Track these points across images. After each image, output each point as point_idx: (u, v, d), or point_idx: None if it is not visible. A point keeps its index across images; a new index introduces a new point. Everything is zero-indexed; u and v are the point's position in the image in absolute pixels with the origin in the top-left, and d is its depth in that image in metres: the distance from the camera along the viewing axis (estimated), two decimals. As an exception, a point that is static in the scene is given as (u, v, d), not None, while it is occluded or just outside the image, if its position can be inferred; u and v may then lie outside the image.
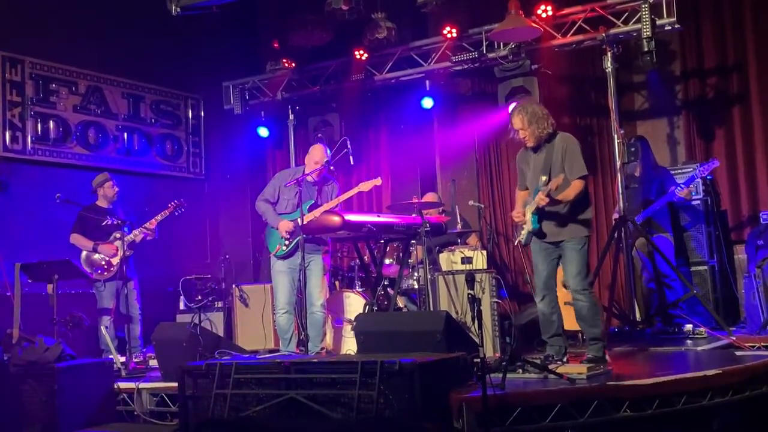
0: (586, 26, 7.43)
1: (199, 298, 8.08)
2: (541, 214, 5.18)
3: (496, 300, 6.16)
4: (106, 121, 8.93)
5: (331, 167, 6.66)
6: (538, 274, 5.34)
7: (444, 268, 6.57)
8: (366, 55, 8.47)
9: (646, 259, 7.21)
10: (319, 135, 8.93)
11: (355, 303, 7.00)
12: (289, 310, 6.48)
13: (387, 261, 7.40)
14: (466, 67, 8.20)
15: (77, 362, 5.58)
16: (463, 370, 4.50)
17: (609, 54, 7.18)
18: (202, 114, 10.03)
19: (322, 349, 6.55)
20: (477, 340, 5.07)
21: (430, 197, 7.77)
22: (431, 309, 6.25)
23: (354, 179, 9.24)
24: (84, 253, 7.16)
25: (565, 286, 5.77)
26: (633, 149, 7.24)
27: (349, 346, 6.73)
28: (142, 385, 5.59)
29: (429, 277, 6.34)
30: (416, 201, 6.83)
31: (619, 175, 6.97)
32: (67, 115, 8.59)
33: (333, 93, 9.00)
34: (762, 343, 5.72)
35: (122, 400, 5.63)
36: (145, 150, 9.33)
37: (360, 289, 7.20)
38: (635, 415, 4.27)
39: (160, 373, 5.87)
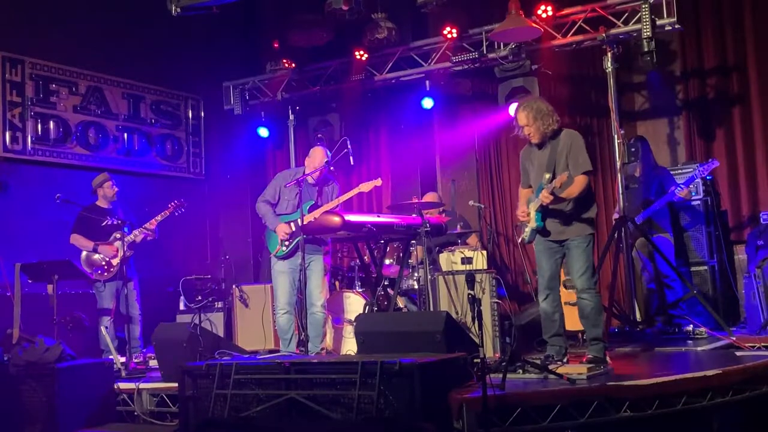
0: (586, 26, 7.43)
1: (199, 298, 8.08)
2: (545, 211, 5.16)
3: (497, 300, 6.17)
4: (106, 122, 8.94)
5: (331, 167, 6.66)
6: (542, 273, 5.31)
7: (444, 268, 6.57)
8: (366, 55, 8.47)
9: (646, 259, 7.20)
10: (319, 135, 8.94)
11: (355, 303, 7.01)
12: (289, 311, 6.49)
13: (387, 261, 7.40)
14: (466, 67, 8.20)
15: (77, 362, 5.57)
16: (463, 371, 4.50)
17: (609, 54, 7.17)
18: (202, 114, 10.04)
19: (322, 349, 6.55)
20: (477, 340, 5.07)
21: (430, 197, 7.76)
22: (431, 309, 6.25)
23: (354, 179, 9.25)
24: (84, 253, 7.16)
25: (564, 286, 5.79)
26: (633, 149, 7.23)
27: (349, 346, 6.74)
28: (142, 385, 5.59)
29: (429, 277, 6.33)
30: (416, 201, 6.83)
31: (619, 175, 6.97)
32: (67, 115, 8.59)
33: (333, 93, 9.00)
34: (762, 344, 5.71)
35: (122, 401, 5.63)
36: (145, 150, 9.33)
37: (360, 290, 7.20)
38: (635, 415, 4.27)
39: (160, 373, 5.87)
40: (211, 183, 9.97)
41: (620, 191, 6.90)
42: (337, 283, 7.79)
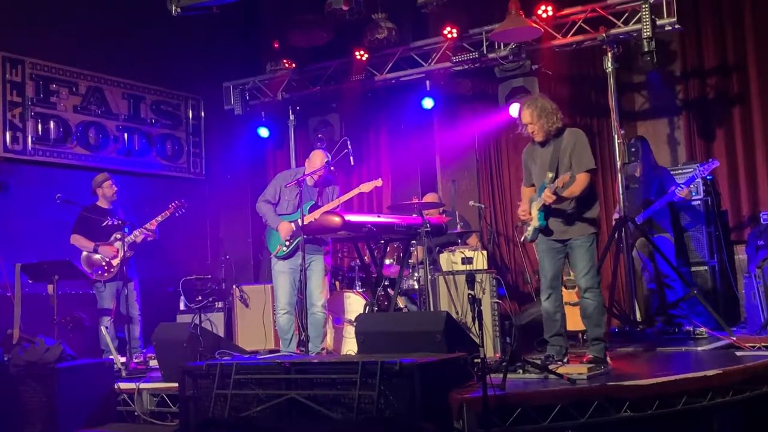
0: (586, 26, 7.43)
1: (200, 298, 8.08)
2: (547, 210, 5.15)
3: (497, 300, 6.17)
4: (106, 122, 8.94)
5: (332, 168, 6.66)
6: (544, 273, 5.29)
7: (444, 268, 6.57)
8: (366, 55, 8.47)
9: (647, 259, 7.20)
10: (319, 135, 8.94)
11: (355, 303, 7.01)
12: (289, 311, 6.49)
13: (387, 261, 7.40)
14: (466, 67, 8.21)
15: (77, 363, 5.57)
16: (464, 371, 4.50)
17: (609, 54, 7.17)
18: (203, 114, 10.04)
19: (323, 349, 6.56)
20: (477, 340, 5.07)
21: (430, 197, 7.77)
22: (431, 309, 6.25)
23: (354, 179, 9.25)
24: (84, 253, 7.16)
25: (565, 286, 5.78)
26: (633, 149, 7.23)
27: (350, 346, 6.74)
28: (143, 385, 5.59)
29: (429, 277, 6.34)
30: (416, 201, 6.83)
31: (619, 175, 6.97)
32: (68, 115, 8.59)
33: (333, 93, 9.00)
34: (762, 344, 5.71)
35: (122, 401, 5.63)
36: (146, 150, 9.33)
37: (360, 290, 7.20)
38: (636, 415, 4.27)
39: (161, 373, 5.87)
40: (211, 183, 9.98)
41: (620, 191, 6.90)
42: (337, 283, 7.79)
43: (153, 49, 9.01)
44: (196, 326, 5.70)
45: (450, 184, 8.31)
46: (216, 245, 9.85)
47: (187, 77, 9.63)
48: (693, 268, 7.45)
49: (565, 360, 5.20)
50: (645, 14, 7.00)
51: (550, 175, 5.06)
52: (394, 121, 9.35)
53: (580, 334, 6.55)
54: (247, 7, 9.01)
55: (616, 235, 6.66)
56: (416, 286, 7.05)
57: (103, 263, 7.14)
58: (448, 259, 6.63)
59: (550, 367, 4.77)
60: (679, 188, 6.90)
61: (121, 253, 7.00)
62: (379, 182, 6.58)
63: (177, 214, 7.39)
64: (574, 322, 5.96)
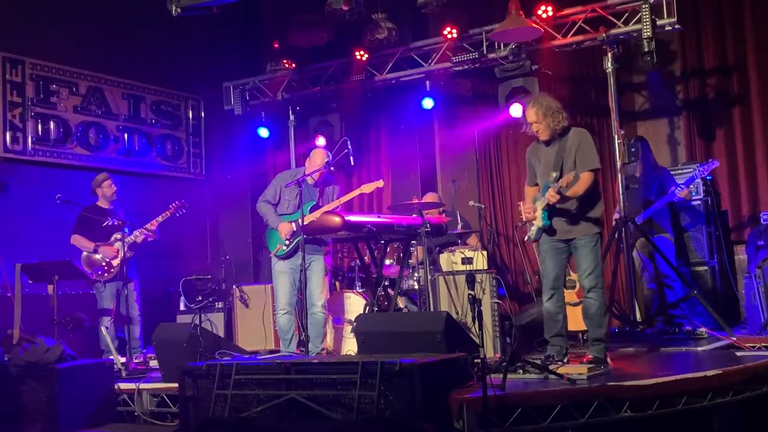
0: (586, 27, 7.43)
1: (200, 298, 8.08)
2: (551, 210, 5.14)
3: (497, 300, 6.17)
4: (106, 122, 8.94)
5: (332, 168, 6.66)
6: (547, 274, 5.28)
7: (444, 268, 6.57)
8: (366, 55, 8.47)
9: (647, 259, 7.20)
10: (319, 136, 8.94)
11: (355, 303, 7.01)
12: (289, 311, 6.49)
13: (387, 261, 7.40)
14: (466, 67, 8.21)
15: (77, 363, 5.58)
16: (464, 371, 4.50)
17: (609, 54, 7.17)
18: (203, 114, 10.04)
19: (323, 349, 6.56)
20: (477, 340, 5.07)
21: (430, 198, 7.77)
22: (431, 309, 6.25)
23: (354, 179, 9.27)
24: (84, 253, 7.16)
25: (565, 286, 5.76)
26: (633, 149, 7.23)
27: (350, 346, 6.74)
28: (143, 385, 5.59)
29: (429, 277, 6.34)
30: (416, 201, 6.83)
31: (619, 175, 6.97)
32: (68, 115, 8.59)
33: (333, 93, 9.00)
34: (762, 344, 5.71)
35: (123, 401, 5.63)
36: (146, 150, 9.33)
37: (360, 290, 7.21)
38: (636, 415, 4.27)
39: (161, 373, 5.87)
40: (211, 183, 9.98)
41: (620, 191, 6.90)
42: (337, 284, 7.79)
43: (153, 49, 9.01)
44: (196, 326, 5.70)
45: (450, 184, 8.31)
46: (216, 245, 9.86)
47: (187, 77, 9.63)
48: (693, 269, 7.45)
49: (566, 360, 5.19)
50: (645, 14, 7.00)
51: (555, 174, 5.05)
52: (394, 122, 9.35)
53: (580, 334, 6.55)
54: (247, 7, 9.01)
55: (616, 235, 6.66)
56: (416, 287, 7.05)
57: (104, 263, 7.14)
58: (448, 260, 6.63)
59: (551, 367, 4.77)
60: (679, 188, 6.90)
61: (121, 254, 7.00)
62: (380, 183, 6.57)
63: (177, 215, 7.39)
64: (575, 322, 5.97)
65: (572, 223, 5.15)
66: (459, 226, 7.43)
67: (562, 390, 4.34)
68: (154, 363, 6.44)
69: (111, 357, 6.32)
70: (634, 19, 7.15)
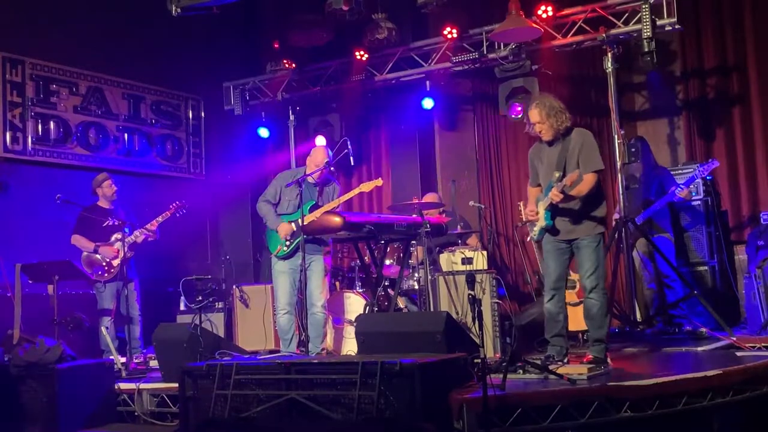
0: (586, 27, 7.44)
1: (200, 298, 8.06)
2: (554, 210, 5.14)
3: (497, 300, 6.17)
4: (106, 122, 8.94)
5: (332, 168, 6.66)
6: (549, 274, 5.27)
7: (444, 268, 6.57)
8: (366, 55, 8.47)
9: (647, 259, 7.21)
10: (319, 136, 8.94)
11: (355, 303, 7.01)
12: (289, 311, 6.49)
13: (387, 261, 7.40)
14: (466, 67, 8.21)
15: (78, 363, 5.58)
16: (464, 371, 4.49)
17: (609, 54, 7.18)
18: (203, 114, 10.04)
19: (323, 349, 6.55)
20: (477, 340, 5.07)
21: (430, 198, 7.77)
22: (432, 309, 6.25)
23: (354, 179, 9.28)
24: (84, 253, 7.16)
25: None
26: (633, 149, 7.23)
27: (350, 346, 6.74)
28: (143, 385, 5.59)
29: (429, 277, 6.34)
30: (416, 201, 6.83)
31: (619, 175, 6.97)
32: (68, 115, 8.59)
33: (333, 93, 9.00)
34: (762, 344, 5.71)
35: (123, 401, 5.63)
36: (146, 150, 9.33)
37: (360, 290, 7.20)
38: (636, 415, 4.27)
39: (161, 373, 5.87)
40: (211, 183, 9.97)
41: (620, 191, 6.91)
42: (337, 284, 7.79)
43: (153, 49, 9.01)
44: (196, 326, 5.70)
45: (450, 184, 8.31)
46: (216, 245, 9.86)
47: (187, 77, 9.63)
48: (693, 269, 7.45)
49: (566, 360, 5.19)
50: (645, 14, 7.00)
51: (558, 174, 5.04)
52: (395, 122, 9.35)
53: (580, 334, 6.55)
54: (247, 7, 9.01)
55: (616, 235, 6.66)
56: (416, 287, 7.05)
57: (104, 263, 7.14)
58: (448, 260, 6.63)
59: (551, 367, 4.77)
60: (679, 188, 6.90)
61: (121, 254, 7.00)
62: (379, 182, 6.58)
63: (178, 215, 7.39)
64: (575, 322, 5.97)
65: (575, 222, 5.14)
66: (459, 227, 7.43)
67: (562, 390, 4.34)
68: (154, 363, 6.44)
69: (111, 357, 6.32)
70: (634, 19, 7.15)
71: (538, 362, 4.88)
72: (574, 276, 5.97)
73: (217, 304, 8.16)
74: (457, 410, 4.13)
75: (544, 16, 7.46)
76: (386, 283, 7.07)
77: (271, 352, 7.16)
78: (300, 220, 6.13)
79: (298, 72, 9.06)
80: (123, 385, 5.68)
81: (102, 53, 8.72)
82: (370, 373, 4.15)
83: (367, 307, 6.66)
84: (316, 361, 4.87)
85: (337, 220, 5.96)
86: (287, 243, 6.43)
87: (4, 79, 8.03)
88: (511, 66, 7.89)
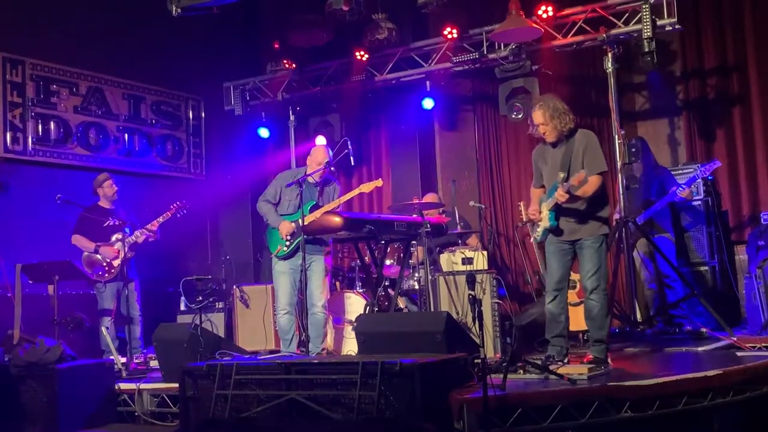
0: (586, 27, 7.44)
1: (200, 298, 8.08)
2: (558, 210, 5.14)
3: (497, 301, 6.17)
4: (106, 122, 8.94)
5: (332, 168, 6.66)
6: (551, 275, 5.26)
7: (445, 268, 6.57)
8: (366, 55, 8.47)
9: (647, 259, 7.20)
10: (320, 136, 8.94)
11: (355, 304, 7.01)
12: (290, 311, 6.48)
13: (388, 262, 7.39)
14: (466, 67, 8.21)
15: (78, 363, 5.58)
16: (464, 371, 4.49)
17: (609, 54, 7.18)
18: (203, 115, 10.04)
19: (323, 349, 6.55)
20: (478, 340, 5.07)
21: (430, 198, 7.77)
22: (432, 310, 6.25)
23: (355, 179, 9.28)
24: (85, 253, 7.16)
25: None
26: (634, 149, 7.23)
27: (350, 346, 6.74)
28: (143, 385, 5.58)
29: (430, 277, 6.34)
30: (417, 201, 6.83)
31: (619, 175, 6.97)
32: (68, 115, 8.59)
33: (333, 94, 9.00)
34: (763, 344, 5.71)
35: (123, 401, 5.63)
36: (146, 151, 9.33)
37: (361, 290, 7.20)
38: (636, 415, 4.27)
39: (161, 373, 5.87)
40: (211, 183, 9.97)
41: (621, 192, 6.91)
42: (337, 284, 7.79)
43: (153, 50, 9.01)
44: (196, 326, 5.70)
45: (450, 184, 8.31)
46: (216, 245, 9.86)
47: (188, 77, 9.63)
48: (694, 269, 7.45)
49: (566, 360, 5.19)
50: (645, 14, 7.00)
51: (562, 175, 5.04)
52: (395, 122, 9.35)
53: (580, 335, 6.55)
54: (247, 7, 9.01)
55: (616, 235, 6.66)
56: (416, 287, 7.05)
57: (104, 264, 7.14)
58: (449, 260, 6.63)
59: (551, 367, 4.77)
60: (680, 189, 6.90)
61: (122, 254, 7.00)
62: (379, 182, 6.58)
63: (178, 215, 7.39)
64: (575, 322, 5.96)
65: (579, 223, 5.14)
66: (459, 227, 7.43)
67: (562, 390, 4.34)
68: (154, 363, 6.44)
69: (111, 357, 6.32)
70: (635, 20, 7.15)
71: (539, 362, 4.87)
72: (574, 276, 5.97)
73: (217, 304, 8.17)
74: (458, 410, 4.13)
75: (545, 16, 7.46)
76: (386, 283, 7.07)
77: (271, 352, 7.16)
78: (300, 221, 6.13)
79: (298, 72, 9.06)
80: (123, 385, 5.68)
81: (102, 53, 8.72)
82: (371, 373, 4.15)
83: (368, 307, 6.66)
84: (316, 361, 4.87)
85: (337, 220, 5.96)
86: (287, 243, 6.43)
87: (4, 80, 8.03)
88: (512, 66, 7.89)
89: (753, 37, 7.74)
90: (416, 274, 7.10)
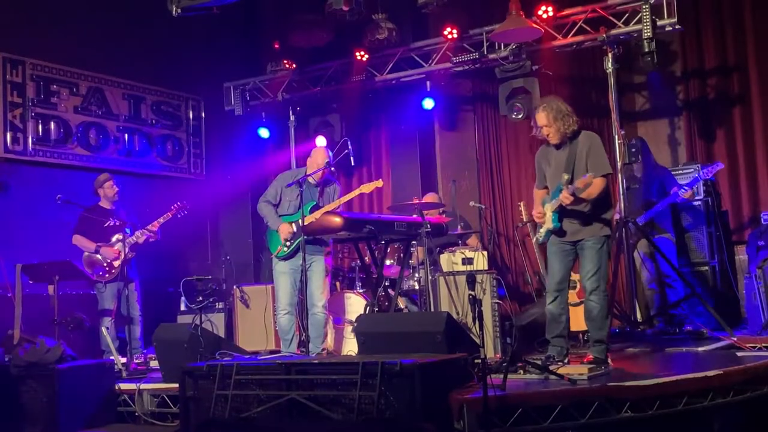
0: (586, 27, 7.44)
1: (200, 298, 8.08)
2: (562, 212, 5.14)
3: (497, 301, 6.17)
4: (106, 122, 8.94)
5: (332, 168, 6.66)
6: (553, 275, 5.27)
7: (445, 268, 6.57)
8: (366, 55, 8.47)
9: (648, 259, 7.20)
10: (320, 136, 8.94)
11: (355, 304, 7.01)
12: (290, 311, 6.49)
13: (388, 262, 7.39)
14: (466, 68, 8.20)
15: (78, 363, 5.57)
16: (464, 371, 4.50)
17: (610, 55, 7.18)
18: (203, 115, 10.04)
19: (323, 350, 6.55)
20: (478, 340, 5.07)
21: (430, 198, 7.77)
22: (432, 310, 6.25)
23: (355, 180, 9.28)
24: (85, 254, 7.16)
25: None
26: (634, 150, 7.23)
27: (350, 346, 6.74)
28: (143, 386, 5.58)
29: (430, 278, 6.34)
30: (417, 202, 6.83)
31: (619, 175, 6.97)
32: (68, 116, 8.59)
33: (334, 94, 9.00)
34: (763, 344, 5.71)
35: (123, 401, 5.63)
36: (146, 151, 9.33)
37: (361, 290, 7.20)
38: (636, 416, 4.27)
39: (161, 374, 5.87)
40: (211, 184, 9.97)
41: (621, 192, 6.91)
42: (338, 284, 7.79)
43: (153, 50, 9.01)
44: (196, 327, 5.70)
45: (450, 184, 8.32)
46: (216, 246, 9.86)
47: (188, 78, 9.63)
48: (694, 269, 7.45)
49: (566, 360, 5.19)
50: (645, 15, 7.00)
51: (566, 176, 5.04)
52: (395, 122, 9.35)
53: (581, 335, 6.55)
54: (247, 7, 9.02)
55: (616, 235, 6.66)
56: (417, 287, 7.05)
57: (105, 264, 7.14)
58: (449, 260, 6.63)
59: (551, 367, 4.77)
60: (683, 190, 6.91)
61: (122, 254, 7.00)
62: (379, 183, 6.57)
63: (179, 216, 7.39)
64: (575, 322, 5.96)
65: (582, 224, 5.14)
66: (459, 227, 7.43)
67: (562, 390, 4.34)
68: (154, 363, 6.44)
69: (111, 357, 6.32)
70: (635, 20, 7.15)
71: (539, 362, 4.87)
72: (575, 276, 5.97)
73: (217, 304, 8.17)
74: (458, 410, 4.13)
75: (545, 16, 7.46)
76: (387, 284, 7.07)
77: (271, 352, 7.16)
78: (300, 221, 6.13)
79: (298, 72, 9.06)
80: (123, 386, 5.67)
81: (102, 53, 8.72)
82: (371, 373, 4.15)
83: (368, 308, 6.66)
84: (316, 361, 4.87)
85: (337, 220, 5.96)
86: (287, 243, 6.43)
87: (4, 80, 8.03)
88: (512, 66, 7.89)
89: (753, 37, 7.74)
90: (416, 275, 7.10)
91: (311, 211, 6.32)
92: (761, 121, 7.67)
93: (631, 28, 7.19)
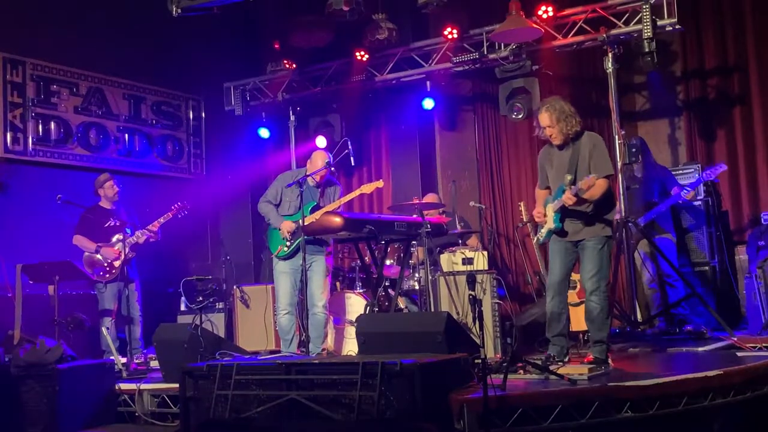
0: (586, 27, 7.44)
1: (200, 299, 8.08)
2: (564, 212, 5.15)
3: (497, 301, 6.17)
4: (107, 122, 8.93)
5: (332, 168, 6.66)
6: (553, 275, 5.27)
7: (445, 269, 6.57)
8: (367, 56, 8.47)
9: (649, 259, 7.20)
10: (320, 136, 8.94)
11: (356, 304, 7.01)
12: (290, 311, 6.49)
13: (388, 262, 7.39)
14: (466, 68, 8.20)
15: (78, 363, 5.58)
16: (464, 371, 4.50)
17: (610, 55, 7.18)
18: (203, 115, 10.04)
19: (323, 350, 6.56)
20: (478, 341, 5.08)
21: (430, 198, 7.77)
22: (432, 310, 6.25)
23: (355, 180, 9.27)
24: (86, 254, 7.16)
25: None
26: (634, 150, 7.23)
27: (350, 347, 6.74)
28: (143, 386, 5.58)
29: (430, 278, 6.34)
30: (417, 202, 6.83)
31: (620, 175, 6.97)
32: (68, 116, 8.59)
33: (334, 94, 9.00)
34: (763, 344, 5.71)
35: (123, 401, 5.63)
36: (146, 151, 9.33)
37: (361, 290, 7.20)
38: (636, 416, 4.27)
39: (161, 374, 5.87)
40: (211, 184, 9.96)
41: (621, 192, 6.91)
42: (338, 284, 7.78)
43: (153, 50, 9.01)
44: (196, 327, 5.70)
45: (450, 184, 8.32)
46: (216, 246, 9.85)
47: (188, 78, 9.62)
48: (694, 269, 7.45)
49: (566, 360, 5.19)
50: (645, 15, 7.00)
51: (569, 177, 5.04)
52: (395, 122, 9.35)
53: (581, 334, 6.55)
54: (247, 7, 8.99)
55: (617, 235, 6.66)
56: (417, 287, 7.05)
57: (105, 264, 7.14)
58: (449, 260, 6.63)
59: (551, 367, 4.77)
60: (685, 191, 6.91)
61: (123, 255, 6.99)
62: (380, 183, 6.57)
63: (179, 216, 7.39)
64: (576, 322, 5.97)
65: (584, 224, 5.15)
66: (459, 227, 7.43)
67: (562, 390, 4.34)
68: (154, 363, 6.44)
69: (112, 357, 6.31)
70: (635, 20, 7.15)
71: (539, 362, 4.88)
72: (575, 276, 5.98)
73: (217, 304, 8.17)
74: (458, 410, 4.13)
75: (545, 16, 7.45)
76: (387, 284, 7.07)
77: (271, 352, 7.16)
78: (301, 221, 6.12)
79: (298, 72, 9.06)
80: (123, 386, 5.67)
81: (102, 53, 8.72)
82: (371, 373, 4.15)
83: (368, 308, 6.65)
84: (316, 361, 4.87)
85: (337, 220, 5.96)
86: (288, 243, 6.43)
87: (4, 80, 8.03)
88: (512, 66, 7.88)
89: (753, 38, 7.74)
90: (416, 275, 7.10)
91: (311, 212, 6.32)
92: (761, 122, 7.67)
93: (632, 28, 7.18)
